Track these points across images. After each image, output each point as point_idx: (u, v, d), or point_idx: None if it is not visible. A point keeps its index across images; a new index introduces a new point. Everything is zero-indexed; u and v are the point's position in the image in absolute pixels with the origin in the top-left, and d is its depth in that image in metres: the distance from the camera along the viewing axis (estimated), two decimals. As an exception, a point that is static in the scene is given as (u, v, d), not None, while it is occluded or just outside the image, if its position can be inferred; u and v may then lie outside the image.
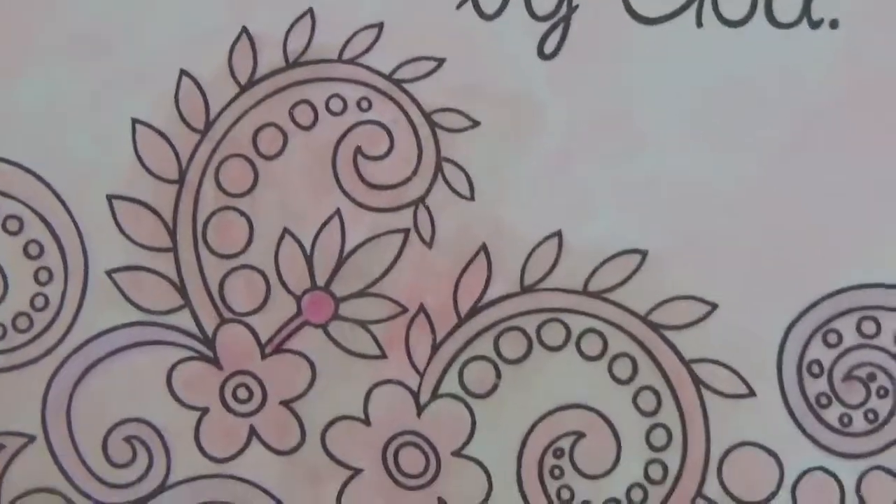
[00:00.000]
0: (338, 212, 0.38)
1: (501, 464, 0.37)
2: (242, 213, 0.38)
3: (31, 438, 0.38)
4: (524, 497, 0.37)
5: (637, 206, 0.37)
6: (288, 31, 0.38)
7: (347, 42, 0.38)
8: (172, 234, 0.38)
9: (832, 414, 0.37)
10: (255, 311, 0.38)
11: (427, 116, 0.38)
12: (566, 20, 0.38)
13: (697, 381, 0.37)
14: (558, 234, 0.37)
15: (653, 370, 0.37)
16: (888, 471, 0.37)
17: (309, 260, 0.38)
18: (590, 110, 0.37)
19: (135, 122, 0.38)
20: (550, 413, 0.37)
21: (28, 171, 0.38)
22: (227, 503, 0.38)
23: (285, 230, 0.38)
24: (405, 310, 0.38)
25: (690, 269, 0.37)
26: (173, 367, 0.38)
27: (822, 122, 0.37)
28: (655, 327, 0.37)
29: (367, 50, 0.38)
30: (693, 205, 0.37)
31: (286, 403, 0.38)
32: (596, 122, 0.37)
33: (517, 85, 0.38)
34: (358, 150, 0.38)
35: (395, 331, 0.38)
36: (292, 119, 0.38)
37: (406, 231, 0.38)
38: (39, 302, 0.38)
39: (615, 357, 0.37)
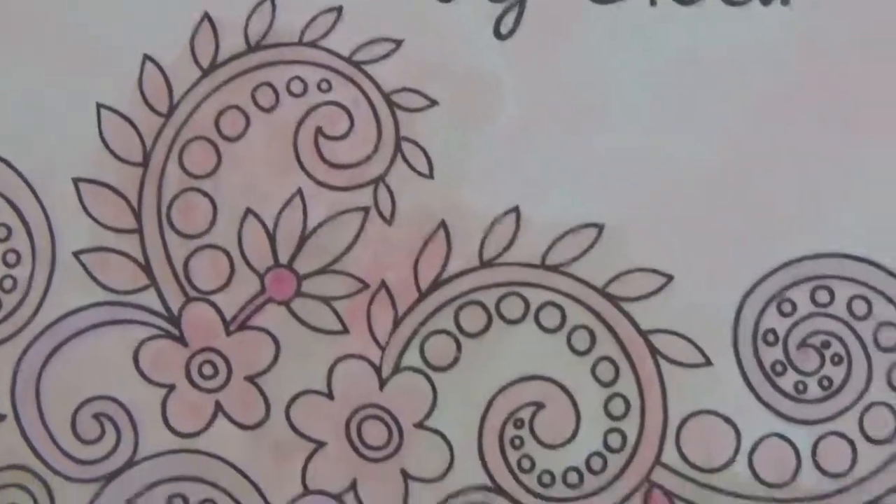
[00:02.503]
0: (299, 191, 0.38)
1: (463, 435, 0.38)
2: (206, 194, 0.39)
3: (1, 417, 0.39)
4: (486, 467, 0.38)
5: (593, 182, 0.38)
6: (249, 16, 0.39)
7: (307, 25, 0.38)
8: (137, 215, 0.39)
9: (787, 381, 0.38)
10: (219, 290, 0.39)
11: (386, 96, 0.38)
12: (522, 1, 0.38)
13: (654, 352, 0.38)
14: (516, 209, 0.38)
15: (610, 341, 0.38)
16: (843, 436, 0.37)
17: (272, 238, 0.38)
18: (545, 89, 0.38)
19: (99, 106, 0.39)
20: (510, 385, 0.38)
21: (-5, 155, 0.39)
22: (194, 477, 0.38)
23: (248, 210, 0.39)
24: (366, 286, 0.38)
25: (646, 242, 0.38)
26: (140, 345, 0.38)
27: (775, 98, 0.38)
28: (613, 299, 0.38)
29: (327, 33, 0.39)
30: (648, 180, 0.38)
31: (251, 379, 0.38)
32: (552, 101, 0.38)
33: (474, 65, 0.38)
34: (318, 131, 0.39)
35: (356, 306, 0.38)
36: (254, 101, 0.39)
37: (366, 209, 0.38)
38: (8, 284, 0.39)
39: (573, 329, 0.38)
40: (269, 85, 0.39)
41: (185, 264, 0.39)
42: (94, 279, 0.39)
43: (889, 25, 0.37)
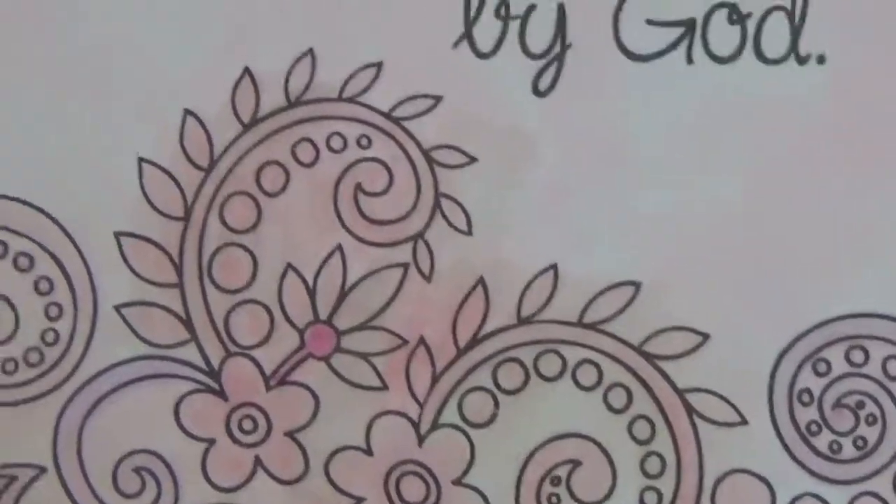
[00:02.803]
0: (339, 247, 0.39)
1: (500, 492, 0.38)
2: (246, 249, 0.39)
3: (43, 470, 0.39)
4: (523, 523, 0.39)
5: (630, 239, 0.38)
6: (289, 71, 0.39)
7: (347, 81, 0.39)
8: (178, 269, 0.39)
9: (822, 441, 0.38)
10: (259, 345, 0.39)
11: (425, 153, 0.39)
12: (560, 58, 0.38)
13: (690, 410, 0.38)
14: (554, 267, 0.38)
15: (647, 399, 0.38)
16: (877, 496, 0.38)
17: (311, 294, 0.39)
18: (583, 145, 0.38)
19: (140, 160, 0.39)
20: (548, 442, 0.38)
21: (37, 208, 0.39)
22: (234, 532, 0.39)
23: (288, 265, 0.39)
24: (405, 342, 0.39)
25: (683, 300, 0.38)
26: (180, 399, 0.39)
27: (810, 155, 0.38)
28: (649, 357, 0.38)
29: (367, 89, 0.39)
30: (685, 237, 0.38)
31: (290, 434, 0.39)
32: (589, 157, 0.38)
33: (513, 121, 0.39)
34: (358, 187, 0.39)
35: (395, 363, 0.39)
36: (294, 157, 0.39)
37: (406, 265, 0.39)
38: (50, 337, 0.39)
39: (610, 387, 0.38)
40: (310, 140, 0.39)
41: (226, 319, 0.39)
42: (136, 333, 0.39)
43: (927, 88, 0.38)
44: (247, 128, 0.39)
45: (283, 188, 0.39)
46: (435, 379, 0.39)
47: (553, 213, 0.38)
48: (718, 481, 0.38)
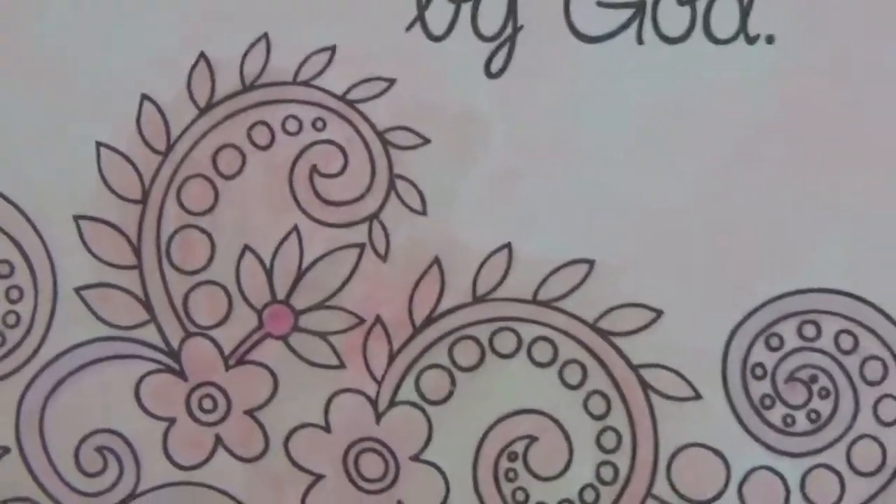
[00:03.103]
0: (295, 228, 0.39)
1: (458, 468, 0.39)
2: (204, 231, 0.39)
3: (6, 450, 0.40)
4: (481, 499, 0.39)
5: (584, 219, 0.39)
6: (244, 55, 0.39)
7: (301, 64, 0.39)
8: (137, 251, 0.40)
9: (776, 414, 0.38)
10: (218, 325, 0.39)
11: (379, 135, 0.39)
12: (511, 40, 0.39)
13: (645, 385, 0.38)
14: (508, 245, 0.39)
15: (602, 375, 0.39)
16: (831, 468, 0.38)
17: (269, 274, 0.39)
18: (536, 127, 0.39)
19: (99, 144, 0.40)
20: (504, 418, 0.39)
21: (-3, 193, 0.40)
22: (194, 510, 0.40)
23: (245, 246, 0.39)
24: (362, 321, 0.39)
25: (636, 277, 0.38)
26: (141, 379, 0.39)
27: (760, 135, 0.38)
28: (604, 334, 0.39)
29: (321, 72, 0.39)
30: (638, 216, 0.39)
31: (250, 413, 0.39)
32: (542, 138, 0.39)
33: (465, 103, 0.39)
34: (314, 169, 0.39)
35: (352, 341, 0.39)
36: (250, 140, 0.39)
37: (361, 245, 0.39)
38: (11, 319, 0.40)
39: (565, 363, 0.39)
40: (265, 123, 0.39)
41: (185, 300, 0.39)
42: (96, 314, 0.39)
43: (870, 64, 0.38)
44: (203, 112, 0.39)
45: (240, 171, 0.39)
46: (392, 357, 0.39)
47: (506, 193, 0.39)
48: (674, 455, 0.38)
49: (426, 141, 0.39)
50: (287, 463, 0.39)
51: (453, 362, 0.39)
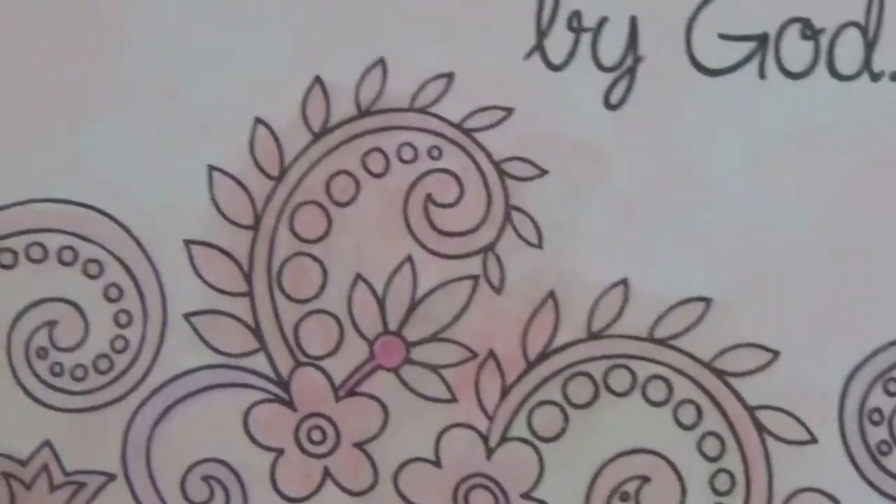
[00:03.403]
0: (409, 258, 0.39)
1: (568, 506, 0.39)
2: (316, 259, 0.39)
3: (112, 477, 0.39)
4: (590, 538, 0.39)
5: (701, 254, 0.38)
6: (360, 80, 0.39)
7: (418, 91, 0.39)
8: (248, 278, 0.39)
9: (893, 461, 0.38)
10: (328, 355, 0.39)
11: (496, 165, 0.39)
12: (632, 71, 0.38)
13: (760, 428, 0.38)
14: (624, 281, 0.38)
15: (717, 416, 0.38)
16: (947, 516, 0.38)
17: (381, 305, 0.39)
18: (654, 159, 0.38)
19: (211, 168, 0.39)
20: (617, 457, 0.38)
21: (107, 216, 0.39)
22: (301, 542, 0.39)
23: (358, 276, 0.39)
24: (475, 355, 0.39)
25: (754, 316, 0.38)
26: (249, 408, 0.39)
27: (883, 171, 0.38)
28: (719, 374, 0.38)
29: (438, 99, 0.39)
30: (756, 253, 0.38)
31: (359, 445, 0.39)
32: (660, 171, 0.38)
33: (583, 134, 0.38)
34: (428, 198, 0.39)
35: (465, 375, 0.39)
36: (364, 167, 0.39)
37: (476, 277, 0.39)
38: (119, 344, 0.39)
39: (680, 403, 0.38)
40: (380, 150, 0.39)
41: (296, 329, 0.39)
42: (205, 341, 0.39)
43: None
44: (317, 137, 0.39)
45: (354, 198, 0.39)
46: (504, 392, 0.39)
47: (624, 227, 0.38)
48: (788, 499, 0.38)
49: (543, 172, 0.38)
50: (396, 497, 0.39)
51: (566, 399, 0.38)
